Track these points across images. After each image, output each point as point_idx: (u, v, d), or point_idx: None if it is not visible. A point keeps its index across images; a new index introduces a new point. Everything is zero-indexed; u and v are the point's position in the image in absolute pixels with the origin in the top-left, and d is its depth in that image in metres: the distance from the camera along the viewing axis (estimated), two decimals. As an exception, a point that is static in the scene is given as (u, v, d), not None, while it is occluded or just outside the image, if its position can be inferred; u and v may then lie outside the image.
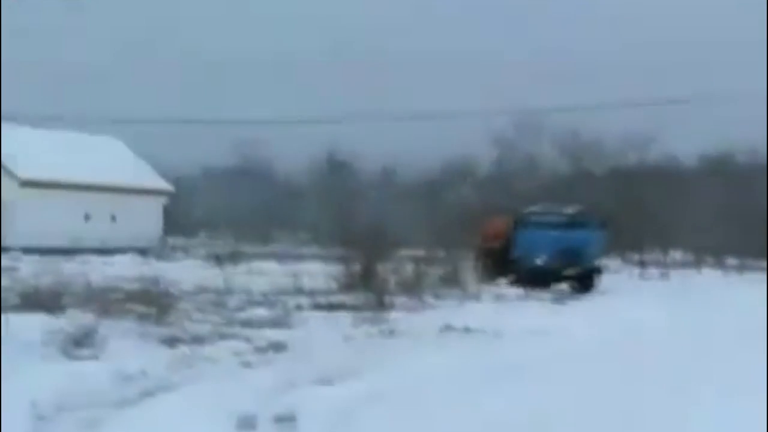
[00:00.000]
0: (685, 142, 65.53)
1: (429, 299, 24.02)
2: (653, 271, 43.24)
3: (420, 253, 30.43)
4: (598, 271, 32.25)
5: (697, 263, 49.68)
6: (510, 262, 31.59)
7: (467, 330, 17.66)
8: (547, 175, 68.51)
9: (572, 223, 32.29)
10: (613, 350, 15.53)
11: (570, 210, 33.51)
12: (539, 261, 30.99)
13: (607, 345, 16.19)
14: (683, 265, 49.16)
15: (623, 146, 66.68)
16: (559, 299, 25.56)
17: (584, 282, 31.30)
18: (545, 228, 31.68)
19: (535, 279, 30.03)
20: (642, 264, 46.67)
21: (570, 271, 31.25)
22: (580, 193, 62.64)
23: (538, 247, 31.14)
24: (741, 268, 47.44)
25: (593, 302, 25.12)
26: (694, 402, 10.44)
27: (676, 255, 54.97)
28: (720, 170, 64.29)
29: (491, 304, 23.75)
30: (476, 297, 25.31)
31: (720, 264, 50.55)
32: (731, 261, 50.96)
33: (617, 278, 37.37)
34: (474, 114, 63.45)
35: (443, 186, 70.35)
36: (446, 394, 10.92)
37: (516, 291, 28.11)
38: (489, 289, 27.11)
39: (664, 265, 46.25)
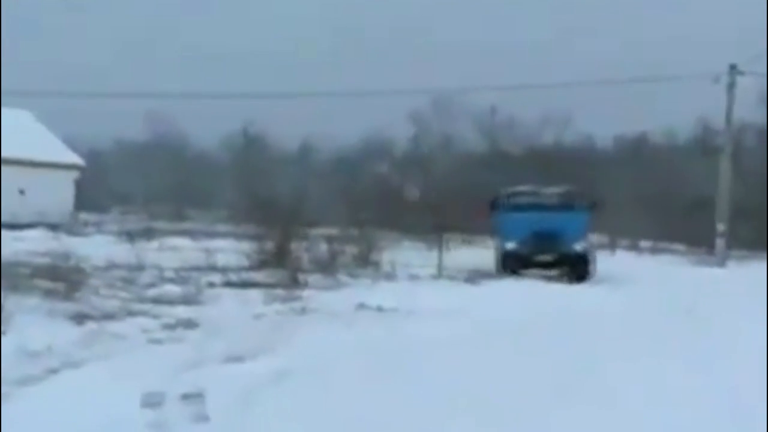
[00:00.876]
0: (601, 123, 66.17)
1: (343, 278, 23.93)
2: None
3: (336, 231, 30.32)
4: (581, 257, 29.10)
5: (612, 245, 50.13)
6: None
7: (380, 309, 17.61)
8: (463, 154, 68.76)
9: (548, 205, 30.19)
10: (518, 328, 15.68)
11: (550, 190, 31.30)
12: (510, 246, 29.00)
13: (512, 324, 16.27)
14: (598, 247, 49.50)
15: (540, 126, 67.27)
16: (472, 279, 25.55)
17: (576, 269, 28.86)
18: (518, 210, 29.70)
19: (509, 265, 28.60)
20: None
21: (543, 257, 28.92)
22: (496, 173, 63.06)
23: (510, 231, 29.24)
24: (654, 251, 47.99)
25: (506, 283, 25.17)
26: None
27: (592, 237, 55.28)
28: (635, 152, 64.98)
29: (406, 283, 23.69)
30: (391, 276, 25.25)
31: (634, 246, 51.08)
32: (645, 243, 51.50)
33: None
34: (391, 93, 63.24)
35: (360, 163, 70.37)
36: (354, 371, 10.93)
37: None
38: (404, 269, 27.02)
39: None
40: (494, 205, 30.53)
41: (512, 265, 28.61)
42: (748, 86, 44.45)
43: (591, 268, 29.15)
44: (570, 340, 14.27)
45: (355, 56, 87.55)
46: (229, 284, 21.00)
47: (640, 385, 10.61)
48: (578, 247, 29.14)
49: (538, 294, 22.24)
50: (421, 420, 8.83)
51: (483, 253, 32.77)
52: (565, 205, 30.25)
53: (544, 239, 28.71)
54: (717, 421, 9.04)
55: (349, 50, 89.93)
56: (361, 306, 17.80)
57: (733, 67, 42.48)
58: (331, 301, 18.40)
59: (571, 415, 9.14)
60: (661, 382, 10.76)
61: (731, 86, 42.57)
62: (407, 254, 32.09)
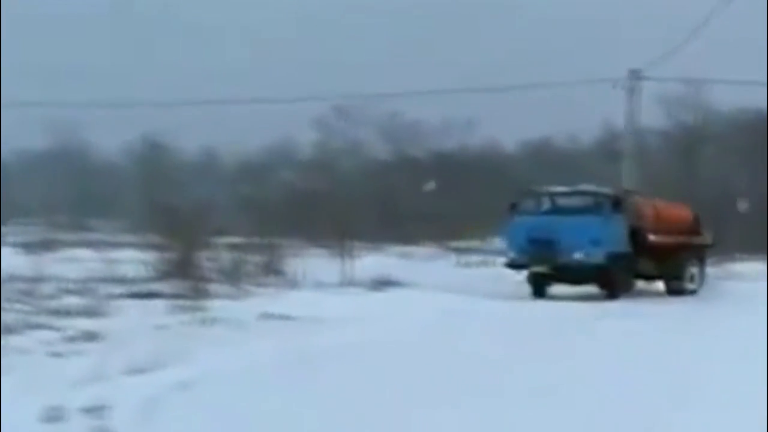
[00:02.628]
0: (506, 127, 66.65)
1: (249, 287, 23.76)
2: (475, 259, 43.59)
3: (241, 240, 30.08)
4: (597, 267, 25.82)
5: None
6: None
7: (285, 318, 17.54)
8: (369, 159, 68.77)
9: (554, 208, 27.21)
10: (420, 336, 15.85)
11: (566, 189, 27.71)
12: (512, 254, 26.89)
13: (416, 332, 16.43)
14: (503, 252, 49.66)
15: (444, 131, 67.45)
16: (378, 287, 25.49)
17: (602, 283, 26.32)
18: (523, 213, 27.10)
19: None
20: (463, 251, 46.96)
21: (540, 267, 26.37)
22: (401, 179, 63.25)
23: (513, 237, 27.07)
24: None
25: (409, 290, 25.17)
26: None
27: (496, 242, 55.43)
28: (539, 155, 65.49)
29: (312, 292, 23.60)
30: (297, 285, 25.14)
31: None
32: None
33: (436, 266, 37.66)
34: (294, 99, 63.00)
35: (265, 171, 70.00)
36: (258, 380, 10.91)
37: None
38: (311, 277, 26.88)
39: (485, 253, 46.60)
40: (510, 209, 27.66)
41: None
42: (649, 90, 44.98)
43: (619, 281, 26.32)
44: (468, 342, 14.41)
45: (259, 63, 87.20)
46: (132, 295, 20.71)
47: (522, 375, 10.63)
48: (581, 255, 25.71)
49: (446, 300, 22.29)
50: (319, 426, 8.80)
51: (390, 261, 32.74)
52: (576, 208, 26.77)
53: (545, 247, 25.90)
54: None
55: (252, 57, 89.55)
56: (266, 315, 17.69)
57: (633, 72, 43.00)
58: (237, 311, 18.23)
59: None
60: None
61: (633, 91, 43.07)
62: (314, 262, 31.93)
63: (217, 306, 18.97)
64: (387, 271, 27.79)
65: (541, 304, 23.83)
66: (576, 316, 20.55)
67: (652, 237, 26.81)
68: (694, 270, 28.31)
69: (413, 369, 12.10)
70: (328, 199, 53.42)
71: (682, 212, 29.44)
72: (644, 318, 20.34)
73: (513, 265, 26.88)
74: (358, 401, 9.95)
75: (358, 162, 68.51)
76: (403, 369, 12.07)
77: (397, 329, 16.33)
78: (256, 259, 28.09)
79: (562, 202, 27.21)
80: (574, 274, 26.17)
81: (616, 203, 26.46)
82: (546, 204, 27.43)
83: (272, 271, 27.78)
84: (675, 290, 27.55)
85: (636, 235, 26.51)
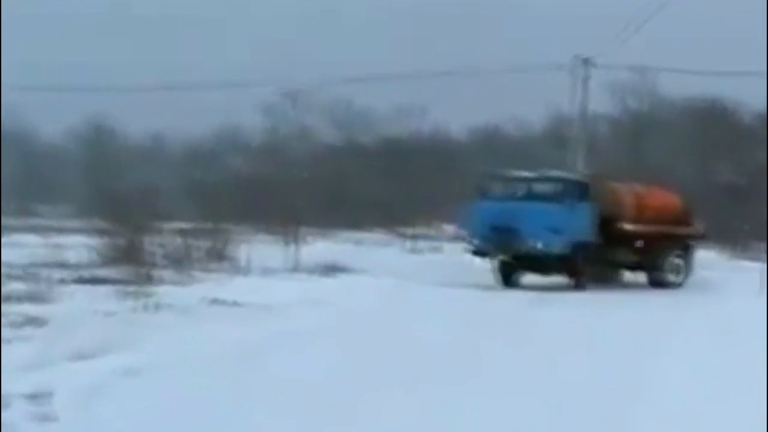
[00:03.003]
0: (456, 114, 66.57)
1: (197, 273, 23.59)
2: (425, 245, 43.65)
3: (190, 226, 29.87)
4: (560, 256, 25.04)
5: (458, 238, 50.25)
6: None
7: (234, 304, 17.42)
8: (319, 146, 68.57)
9: (518, 194, 25.88)
10: (363, 323, 16.01)
11: (531, 174, 26.59)
12: (475, 241, 25.89)
13: (359, 318, 16.61)
14: (455, 239, 49.80)
15: (395, 118, 67.38)
16: (327, 273, 25.40)
17: (570, 273, 25.52)
18: (486, 199, 25.98)
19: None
20: (414, 238, 47.00)
21: (502, 255, 25.72)
22: (351, 165, 63.15)
23: (475, 223, 25.99)
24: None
25: (358, 276, 25.13)
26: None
27: (449, 229, 55.54)
28: (489, 142, 65.50)
29: (261, 278, 23.49)
30: (246, 271, 25.00)
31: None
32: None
33: (387, 252, 37.65)
34: (244, 84, 62.63)
35: (214, 156, 69.56)
36: (204, 366, 10.89)
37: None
38: (261, 263, 26.72)
39: (435, 239, 46.70)
40: (476, 194, 26.57)
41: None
42: (599, 77, 45.11)
43: (584, 271, 25.47)
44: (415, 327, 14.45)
45: (208, 47, 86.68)
46: (79, 281, 20.50)
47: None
48: (542, 244, 24.85)
49: (395, 286, 22.25)
50: (265, 414, 8.80)
51: (339, 247, 32.68)
52: (540, 195, 25.70)
53: (504, 234, 25.03)
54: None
55: (200, 42, 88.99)
56: (214, 301, 17.57)
57: (585, 60, 43.11)
58: (185, 296, 18.10)
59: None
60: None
61: (585, 79, 43.20)
62: (263, 248, 31.77)
63: (164, 292, 18.83)
64: (336, 257, 27.75)
65: (480, 293, 23.18)
66: (506, 306, 20.42)
67: (627, 226, 26.01)
68: (678, 261, 27.12)
69: (354, 356, 12.15)
70: (277, 185, 53.19)
71: (668, 201, 27.94)
72: (579, 307, 20.23)
73: (477, 253, 26.02)
74: (299, 387, 9.94)
75: (307, 148, 68.27)
76: (345, 356, 12.11)
77: (341, 316, 16.35)
78: (204, 244, 27.94)
79: (525, 187, 26.03)
80: (537, 264, 25.54)
81: (582, 190, 25.52)
82: (510, 189, 26.19)
83: (220, 256, 27.65)
84: (656, 282, 26.58)
85: (608, 223, 25.60)
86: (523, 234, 24.80)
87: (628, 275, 27.54)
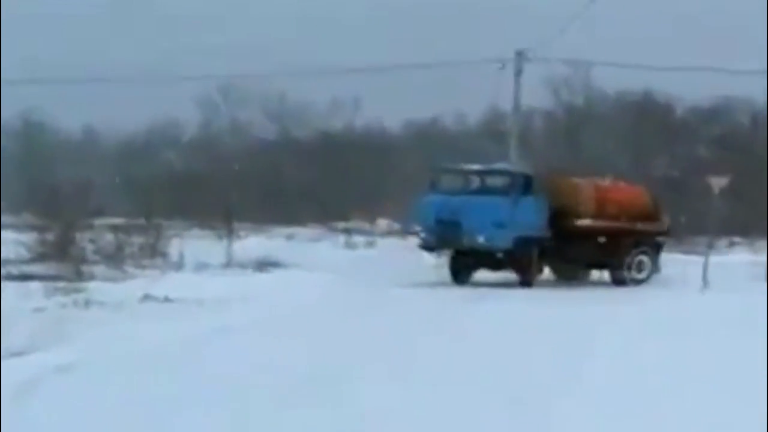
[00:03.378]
0: (391, 107, 66.38)
1: (130, 269, 23.35)
2: (359, 240, 43.57)
3: (123, 221, 29.54)
4: (504, 252, 24.27)
5: (404, 232, 50.22)
6: None
7: (167, 299, 17.30)
8: (254, 140, 68.20)
9: (464, 188, 25.41)
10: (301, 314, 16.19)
11: (478, 167, 25.93)
12: (423, 234, 25.16)
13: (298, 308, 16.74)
14: (390, 233, 49.82)
15: (330, 112, 67.18)
16: (261, 268, 25.21)
17: (515, 269, 24.61)
18: (434, 192, 25.26)
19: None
20: (348, 232, 46.90)
21: (447, 249, 25.22)
22: (285, 159, 62.84)
23: (423, 216, 25.20)
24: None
25: (292, 271, 25.00)
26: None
27: (383, 223, 55.55)
28: (425, 136, 65.40)
29: (194, 273, 23.29)
30: (179, 266, 24.77)
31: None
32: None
33: (321, 247, 37.53)
34: (178, 78, 62.04)
35: (148, 150, 68.88)
36: (137, 363, 10.81)
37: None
38: (195, 259, 26.48)
39: (371, 234, 46.65)
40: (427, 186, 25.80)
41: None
42: (536, 71, 45.23)
43: (531, 268, 24.49)
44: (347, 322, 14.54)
45: (141, 41, 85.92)
46: (8, 277, 20.13)
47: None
48: (484, 239, 23.98)
49: (328, 282, 22.16)
50: (195, 410, 8.69)
51: (273, 242, 32.50)
52: (486, 188, 25.12)
53: (449, 228, 24.32)
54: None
55: (133, 35, 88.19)
56: (147, 297, 17.39)
57: (519, 53, 43.18)
58: (117, 292, 17.93)
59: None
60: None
61: (517, 72, 43.26)
62: (198, 243, 31.51)
63: (95, 288, 18.64)
64: (269, 252, 27.58)
65: (417, 290, 22.74)
66: (437, 302, 20.27)
67: (586, 221, 24.97)
68: (641, 258, 25.87)
69: (285, 352, 12.04)
70: (211, 180, 52.93)
71: (633, 195, 26.66)
72: (509, 302, 20.14)
73: (424, 247, 25.40)
74: (230, 383, 9.87)
75: (242, 143, 67.89)
76: (276, 352, 11.97)
77: (273, 311, 16.26)
78: (138, 240, 27.61)
79: (471, 181, 25.53)
80: (485, 260, 24.68)
81: (528, 183, 24.63)
82: (456, 182, 25.63)
83: (155, 252, 27.36)
84: (619, 280, 25.55)
85: (565, 219, 24.64)
86: (466, 228, 24.01)
87: (596, 273, 26.66)
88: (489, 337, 13.86)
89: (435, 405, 9.02)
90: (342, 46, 75.92)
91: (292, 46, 77.75)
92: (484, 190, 24.88)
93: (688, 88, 55.51)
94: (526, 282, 24.14)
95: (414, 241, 26.26)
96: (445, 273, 25.16)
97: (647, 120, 55.54)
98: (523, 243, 24.00)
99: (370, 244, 41.77)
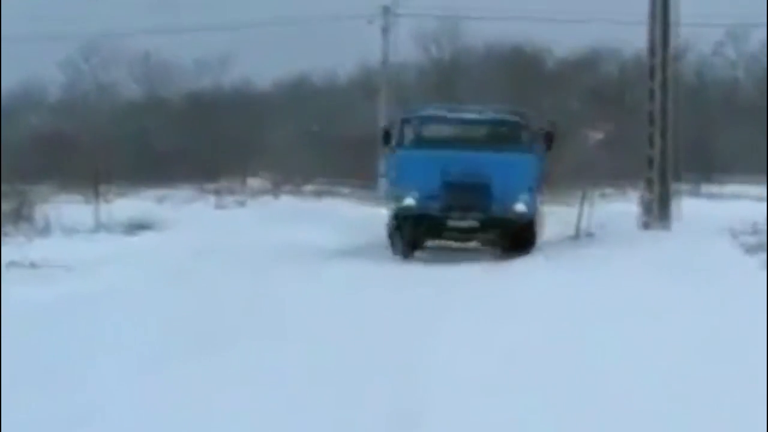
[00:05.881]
0: (260, 65, 65.80)
1: (-8, 236, 22.58)
2: (230, 200, 43.05)
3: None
4: (525, 224, 19.87)
5: (275, 191, 49.92)
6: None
7: (33, 265, 16.81)
8: (120, 101, 67.06)
9: (473, 139, 20.64)
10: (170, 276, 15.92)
11: (479, 113, 21.36)
12: (411, 200, 19.72)
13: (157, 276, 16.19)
14: (262, 192, 49.39)
15: (197, 71, 66.38)
16: (132, 231, 24.67)
17: (514, 239, 19.88)
18: (422, 146, 20.39)
19: (408, 235, 20.18)
20: (218, 193, 46.35)
21: (464, 222, 19.79)
22: (154, 120, 61.86)
23: (411, 175, 19.86)
24: (319, 194, 47.97)
25: (163, 233, 24.55)
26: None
27: (255, 183, 55.14)
28: (295, 94, 65.00)
29: (62, 238, 22.74)
30: (46, 232, 24.10)
31: (298, 191, 50.98)
32: (309, 187, 51.51)
33: (192, 208, 36.96)
34: (39, 38, 60.61)
35: (10, 113, 67.04)
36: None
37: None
38: (62, 224, 25.74)
39: (242, 194, 46.19)
40: (387, 138, 20.65)
41: (413, 234, 20.14)
42: (405, 26, 45.22)
43: (535, 236, 20.26)
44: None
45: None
46: None
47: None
48: (521, 206, 19.58)
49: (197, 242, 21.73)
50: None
51: (144, 204, 31.90)
52: (502, 138, 20.48)
53: (470, 193, 19.56)
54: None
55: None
56: (12, 264, 16.80)
57: (386, 9, 43.03)
58: (-21, 259, 17.21)
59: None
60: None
61: (385, 28, 43.19)
62: (67, 208, 30.71)
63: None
64: (140, 215, 27.04)
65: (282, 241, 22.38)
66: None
67: None
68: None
69: (150, 316, 11.80)
70: (78, 144, 51.76)
71: None
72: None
73: (405, 216, 19.94)
74: (91, 348, 9.62)
75: (109, 104, 66.73)
76: (140, 316, 11.74)
77: (142, 274, 15.81)
78: (3, 207, 26.79)
79: (482, 131, 20.92)
80: (497, 229, 19.98)
81: (546, 133, 20.60)
82: (459, 133, 20.97)
83: (21, 218, 26.56)
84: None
85: None
86: (496, 193, 19.56)
87: None
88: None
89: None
90: (206, 3, 74.90)
91: (153, 4, 76.42)
92: (500, 144, 20.29)
93: (557, 41, 56.08)
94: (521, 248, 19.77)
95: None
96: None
97: (517, 72, 55.82)
98: (538, 207, 20.64)
99: (241, 204, 41.31)
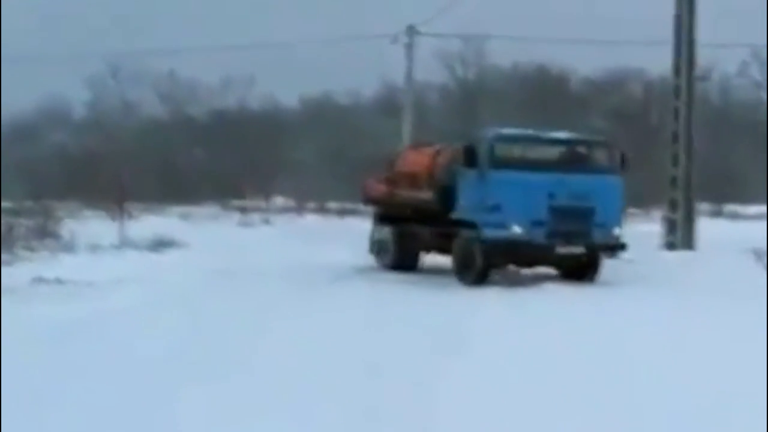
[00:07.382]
0: (285, 84, 66.08)
1: (20, 252, 22.71)
2: (255, 218, 43.20)
3: (12, 204, 28.88)
4: (619, 247, 18.81)
5: (299, 209, 50.12)
6: (448, 228, 19.21)
7: (59, 281, 16.88)
8: (145, 119, 67.37)
9: (573, 160, 19.15)
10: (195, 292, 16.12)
11: (563, 135, 19.91)
12: (519, 229, 17.97)
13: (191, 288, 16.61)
14: (285, 210, 49.56)
15: (222, 89, 66.68)
16: (156, 248, 24.71)
17: (586, 268, 18.91)
18: (529, 168, 18.61)
19: (503, 262, 18.80)
20: (242, 210, 46.54)
21: (573, 249, 18.38)
22: (179, 138, 62.16)
23: (519, 202, 18.10)
24: (342, 213, 48.07)
25: (186, 251, 24.60)
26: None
27: (278, 201, 55.38)
28: (319, 112, 65.20)
29: (87, 255, 22.79)
30: (71, 248, 24.20)
31: (322, 209, 51.15)
32: (333, 206, 51.65)
33: (216, 226, 37.05)
34: (66, 57, 61.05)
35: (37, 132, 67.51)
36: (27, 345, 10.57)
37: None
38: (87, 240, 25.83)
39: (266, 211, 46.35)
40: (472, 158, 18.43)
41: (511, 261, 18.88)
42: (428, 45, 45.34)
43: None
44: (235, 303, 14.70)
45: (26, 18, 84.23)
46: None
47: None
48: (618, 230, 18.67)
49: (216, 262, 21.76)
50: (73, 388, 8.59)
51: (168, 221, 32.02)
52: (595, 161, 19.35)
53: (576, 219, 18.37)
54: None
55: (15, 12, 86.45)
56: (38, 280, 16.92)
57: (411, 28, 43.15)
58: (7, 275, 17.30)
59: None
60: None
61: (409, 46, 43.30)
62: (92, 224, 30.90)
63: (-14, 271, 18.00)
64: (164, 232, 27.12)
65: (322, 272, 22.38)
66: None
67: None
68: None
69: (174, 333, 11.88)
70: (103, 161, 52.05)
71: None
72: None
73: (510, 248, 18.16)
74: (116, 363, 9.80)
75: (134, 122, 67.06)
76: (163, 333, 11.82)
77: (165, 292, 15.90)
78: (29, 223, 27.00)
79: (571, 154, 19.40)
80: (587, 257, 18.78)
81: (623, 159, 19.41)
82: (547, 155, 19.31)
83: (47, 234, 26.74)
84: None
85: None
86: (600, 217, 18.52)
87: None
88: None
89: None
90: (232, 22, 75.33)
91: (183, 21, 76.92)
92: (594, 167, 19.13)
93: (581, 61, 56.12)
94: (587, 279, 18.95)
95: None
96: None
97: (541, 92, 55.89)
98: (620, 234, 19.15)
99: (267, 222, 41.39)
